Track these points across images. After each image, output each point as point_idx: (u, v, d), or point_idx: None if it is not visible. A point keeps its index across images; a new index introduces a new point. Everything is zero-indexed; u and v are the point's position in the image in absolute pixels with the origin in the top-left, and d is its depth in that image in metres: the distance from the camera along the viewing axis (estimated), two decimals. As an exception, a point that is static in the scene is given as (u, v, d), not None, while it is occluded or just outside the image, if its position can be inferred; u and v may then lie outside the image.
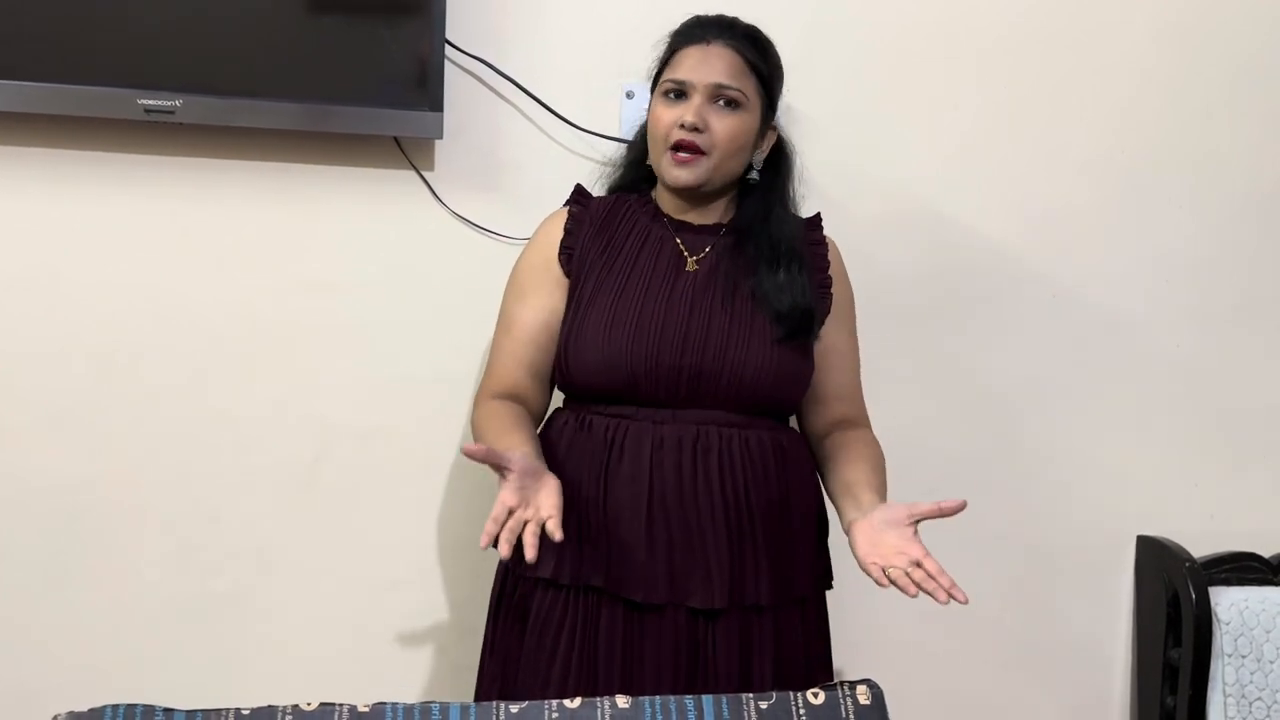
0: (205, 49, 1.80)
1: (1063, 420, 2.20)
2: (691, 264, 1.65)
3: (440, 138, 1.90)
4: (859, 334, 1.79)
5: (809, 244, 1.69)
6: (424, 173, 1.97)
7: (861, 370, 1.78)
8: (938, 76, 2.12)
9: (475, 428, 1.65)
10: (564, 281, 1.66)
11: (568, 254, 1.67)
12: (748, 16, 1.69)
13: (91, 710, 1.18)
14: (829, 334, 1.70)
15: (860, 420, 1.75)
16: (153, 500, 1.95)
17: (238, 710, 1.20)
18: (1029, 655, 2.23)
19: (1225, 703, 2.13)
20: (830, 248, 1.73)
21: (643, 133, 1.74)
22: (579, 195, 1.74)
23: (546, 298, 1.67)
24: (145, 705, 1.20)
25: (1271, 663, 2.14)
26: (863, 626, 2.15)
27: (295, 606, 2.00)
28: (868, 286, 2.09)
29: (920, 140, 2.12)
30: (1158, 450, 2.23)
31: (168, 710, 1.20)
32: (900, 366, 2.14)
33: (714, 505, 1.57)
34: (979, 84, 2.13)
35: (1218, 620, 2.13)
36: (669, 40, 1.67)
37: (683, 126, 1.58)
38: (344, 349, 1.99)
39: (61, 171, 1.88)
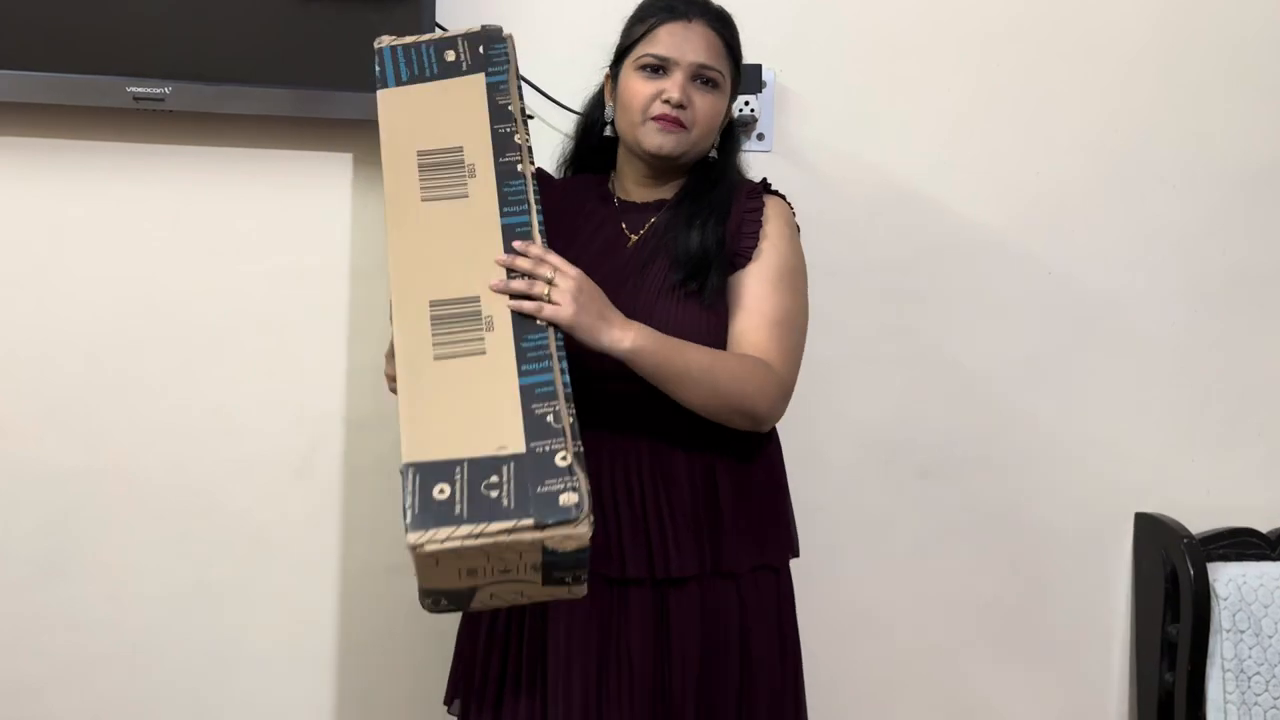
0: (194, 35, 1.80)
1: (1059, 398, 2.20)
2: (632, 241, 1.62)
3: (431, 122, 1.89)
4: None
5: (746, 210, 1.62)
6: (416, 158, 1.97)
7: (799, 335, 1.61)
8: (931, 57, 2.11)
9: None
10: None
11: None
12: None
13: None
14: (740, 283, 1.59)
15: None
16: (147, 491, 1.94)
17: None
18: (1028, 633, 2.23)
19: (1224, 678, 2.13)
20: (770, 208, 1.63)
21: (595, 102, 1.72)
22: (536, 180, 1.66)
23: None
24: None
25: (1270, 638, 2.14)
26: (860, 607, 2.16)
27: (291, 595, 2.00)
28: (861, 266, 2.10)
29: (914, 120, 2.12)
30: (1154, 427, 2.23)
31: None
32: (896, 346, 2.13)
33: (629, 473, 1.54)
34: (972, 64, 2.13)
35: (1216, 596, 2.13)
36: (645, 12, 1.64)
37: (667, 102, 1.57)
38: (338, 337, 1.98)
39: (50, 160, 1.87)
